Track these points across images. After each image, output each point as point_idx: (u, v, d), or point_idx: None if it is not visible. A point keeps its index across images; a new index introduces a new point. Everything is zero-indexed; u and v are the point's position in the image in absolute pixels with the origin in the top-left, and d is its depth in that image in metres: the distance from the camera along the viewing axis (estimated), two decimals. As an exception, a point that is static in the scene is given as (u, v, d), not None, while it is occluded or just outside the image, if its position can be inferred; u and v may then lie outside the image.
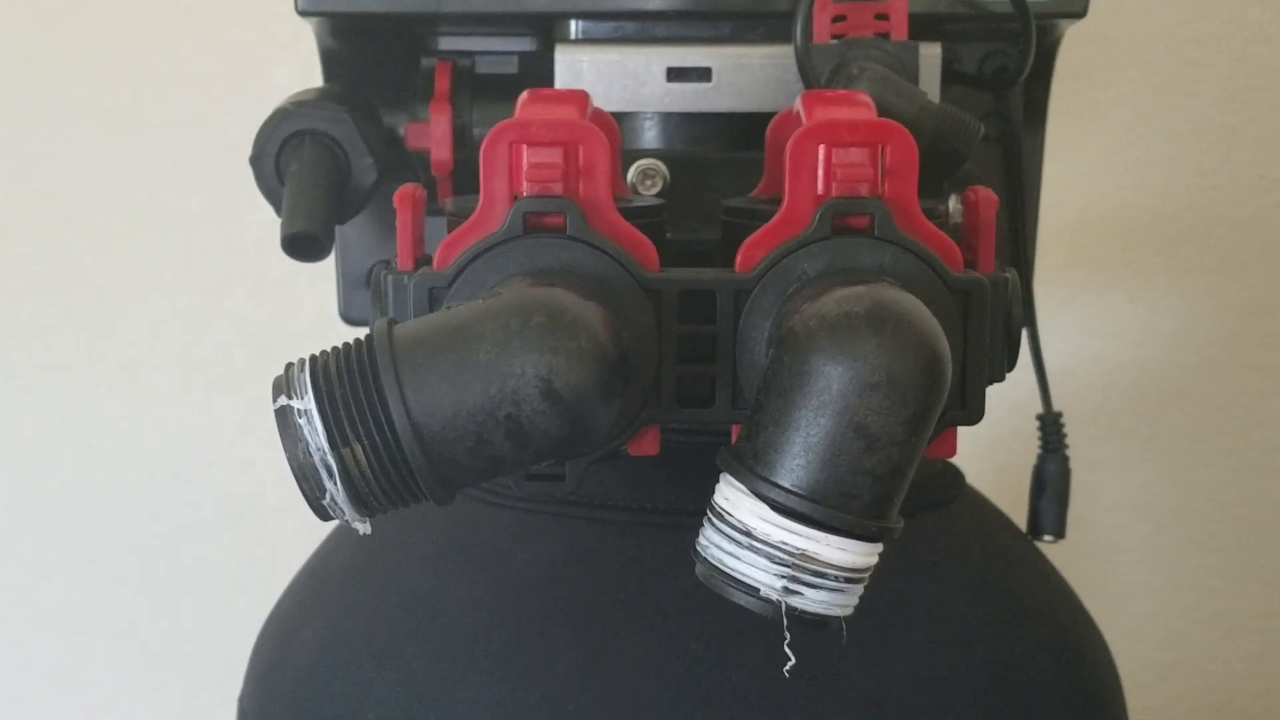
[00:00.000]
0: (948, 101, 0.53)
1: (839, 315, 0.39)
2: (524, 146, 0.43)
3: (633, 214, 0.45)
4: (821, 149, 0.43)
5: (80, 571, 1.03)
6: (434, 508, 0.56)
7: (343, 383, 0.39)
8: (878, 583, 0.43)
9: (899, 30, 0.53)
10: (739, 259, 0.44)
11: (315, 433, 0.39)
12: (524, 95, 0.46)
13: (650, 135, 0.56)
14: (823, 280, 0.42)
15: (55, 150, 0.98)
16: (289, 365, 0.40)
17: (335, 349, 0.40)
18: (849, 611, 0.41)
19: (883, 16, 0.53)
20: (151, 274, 0.99)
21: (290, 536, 0.65)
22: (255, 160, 0.55)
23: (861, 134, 0.43)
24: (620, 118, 0.55)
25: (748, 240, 0.44)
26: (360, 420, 0.39)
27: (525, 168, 0.43)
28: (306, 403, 0.39)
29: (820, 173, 0.43)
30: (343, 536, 0.61)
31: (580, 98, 0.46)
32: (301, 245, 0.52)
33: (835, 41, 0.53)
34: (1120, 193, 0.97)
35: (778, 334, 0.41)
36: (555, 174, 0.43)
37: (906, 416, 0.39)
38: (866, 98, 0.47)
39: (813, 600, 0.40)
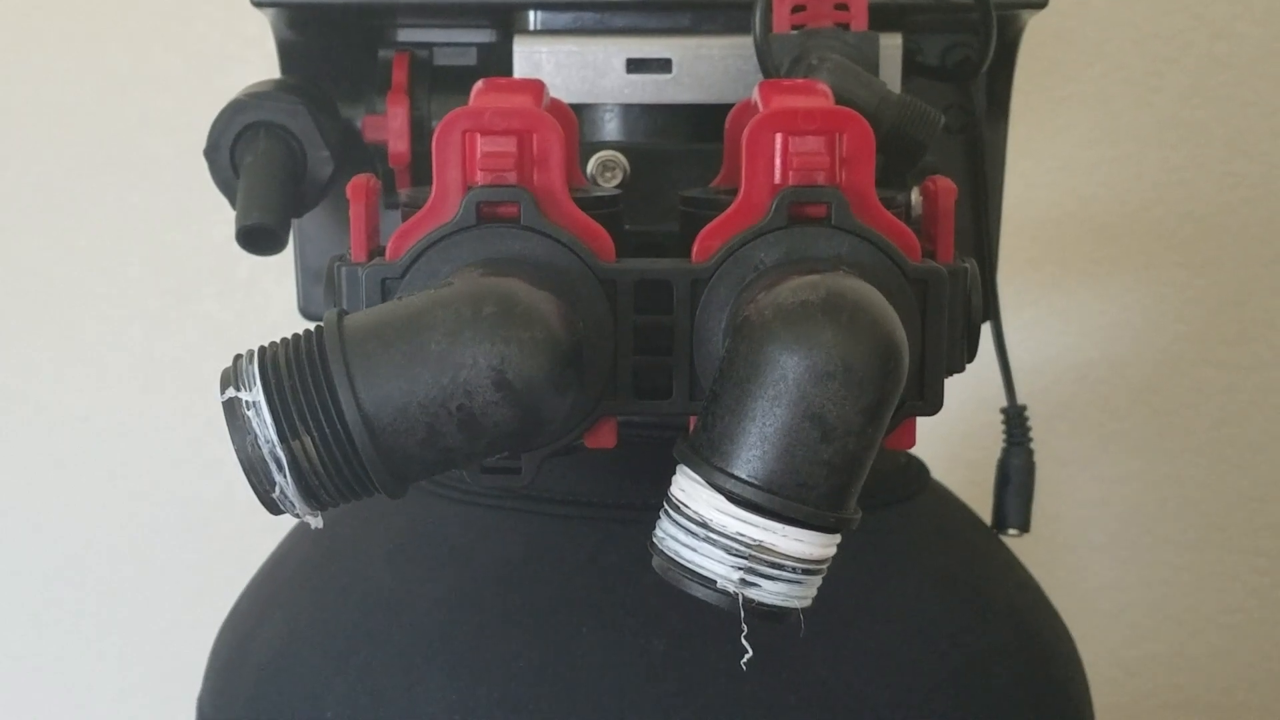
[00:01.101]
0: (909, 93, 0.53)
1: (795, 304, 0.39)
2: (477, 135, 0.43)
3: (589, 204, 0.45)
4: (778, 137, 0.43)
5: (46, 572, 1.02)
6: (393, 504, 0.56)
7: (292, 374, 0.38)
8: (841, 577, 0.42)
9: (859, 21, 0.53)
10: (695, 249, 0.44)
11: (264, 425, 0.38)
12: (479, 84, 0.45)
13: (610, 127, 0.56)
14: (779, 269, 0.42)
15: (19, 151, 0.97)
16: (237, 357, 0.39)
17: (284, 340, 0.40)
18: (807, 603, 0.40)
19: (843, 7, 0.53)
20: (118, 274, 0.98)
21: (258, 537, 0.65)
22: (210, 152, 0.54)
23: (818, 122, 0.43)
24: (580, 109, 0.54)
25: (704, 230, 0.43)
26: (310, 412, 0.38)
27: (478, 156, 0.43)
28: (255, 394, 0.38)
29: (777, 161, 0.43)
30: (302, 534, 0.60)
31: (536, 87, 0.46)
32: (256, 238, 0.51)
33: (795, 32, 0.53)
34: (1087, 189, 0.97)
35: (734, 324, 0.41)
36: (509, 163, 0.42)
37: (863, 406, 0.39)
38: (824, 86, 0.46)
39: (770, 592, 0.39)
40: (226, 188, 0.54)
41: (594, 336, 0.43)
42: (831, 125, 0.43)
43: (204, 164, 0.54)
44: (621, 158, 0.54)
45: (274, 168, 0.53)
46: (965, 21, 0.57)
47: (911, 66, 0.57)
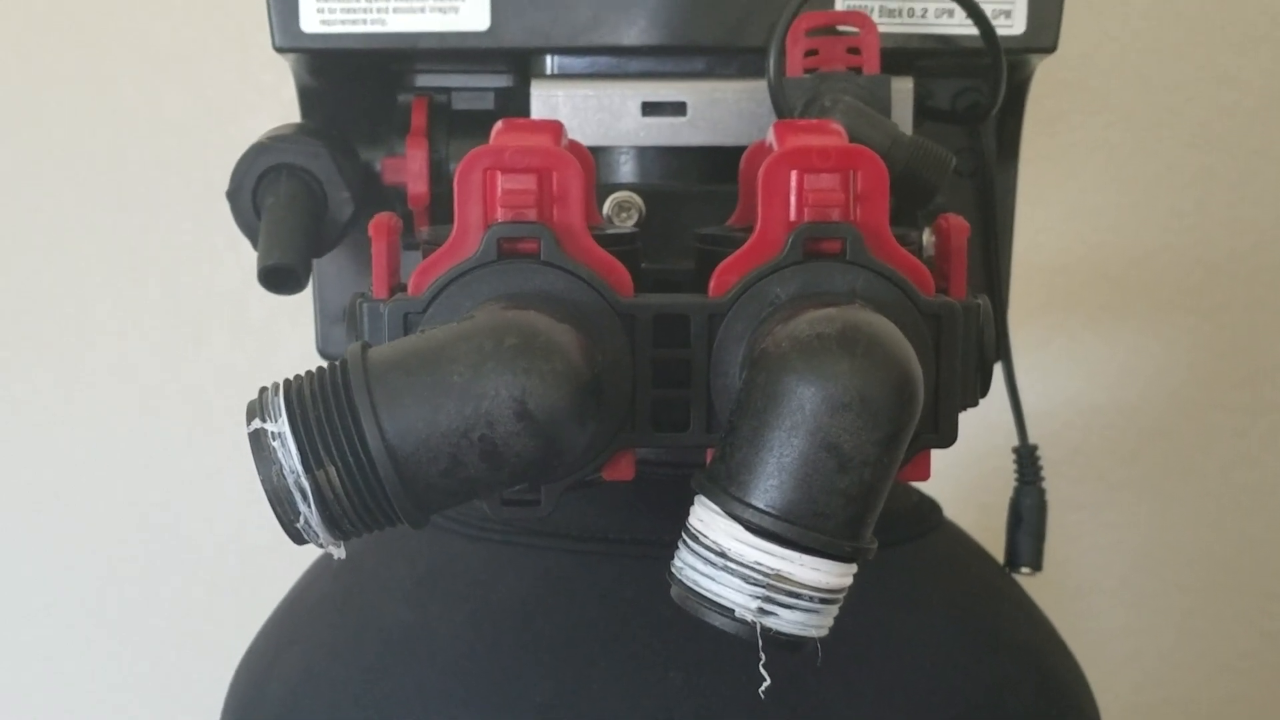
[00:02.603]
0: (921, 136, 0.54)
1: (811, 336, 0.39)
2: (498, 173, 0.43)
3: (607, 241, 0.45)
4: (793, 174, 0.43)
5: (56, 610, 1.02)
6: (411, 540, 0.56)
7: (316, 405, 0.39)
8: (855, 612, 0.43)
9: (871, 65, 0.54)
10: (712, 284, 0.44)
11: (289, 455, 0.39)
12: (499, 124, 0.46)
13: (626, 169, 0.57)
14: (795, 303, 0.43)
15: (34, 192, 0.98)
16: (263, 389, 0.40)
17: (309, 372, 0.40)
18: (824, 633, 0.41)
19: (855, 51, 0.54)
20: (132, 316, 0.99)
21: (268, 576, 0.65)
22: (232, 194, 0.55)
23: (833, 160, 0.43)
24: (596, 152, 0.55)
25: (721, 265, 0.44)
26: (334, 442, 0.39)
27: (499, 193, 0.43)
28: (280, 425, 0.39)
29: (792, 198, 0.44)
30: (320, 570, 0.61)
31: (555, 127, 0.46)
32: (278, 278, 0.52)
33: (808, 75, 0.53)
34: (1095, 235, 0.98)
35: (751, 356, 0.41)
36: (529, 200, 0.43)
37: (879, 436, 0.39)
38: (838, 126, 0.47)
39: (788, 621, 0.40)
40: (249, 229, 0.55)
41: (613, 369, 0.43)
42: (846, 163, 0.43)
43: (218, 208, 0.55)
44: (637, 199, 0.54)
45: (295, 209, 0.54)
46: (975, 66, 0.58)
47: (923, 110, 0.58)
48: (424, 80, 0.59)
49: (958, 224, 0.48)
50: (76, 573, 1.02)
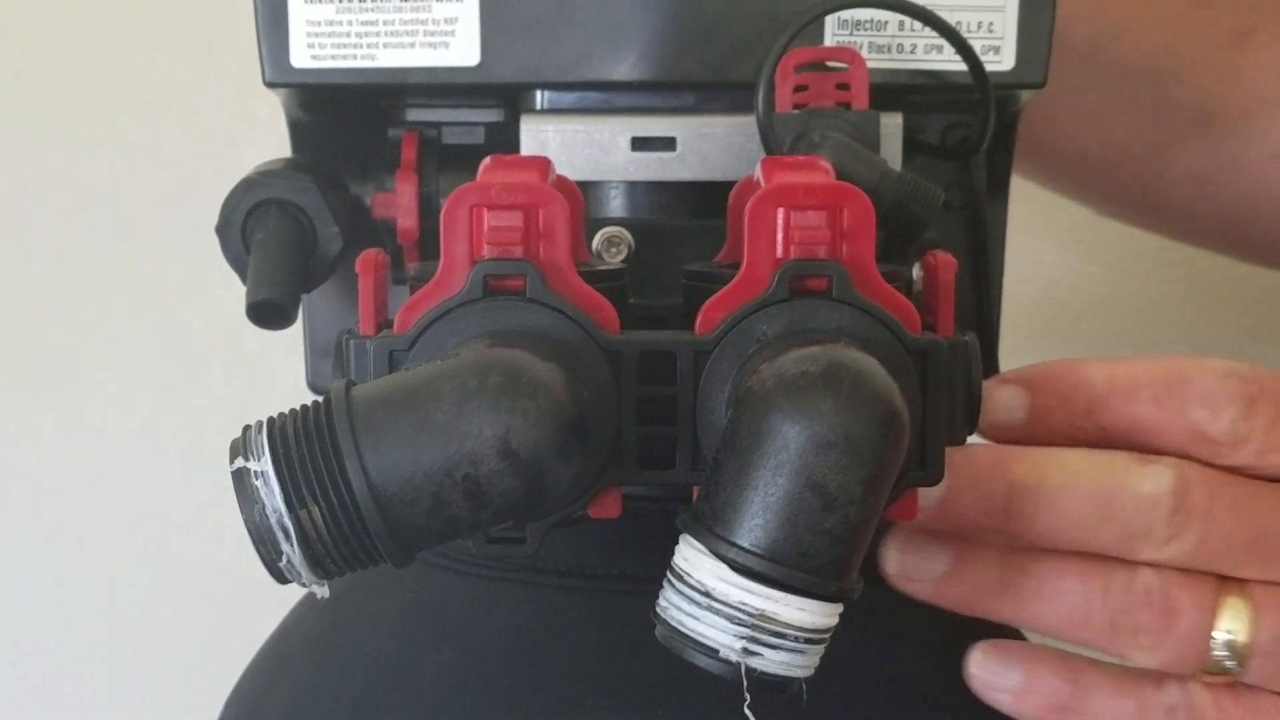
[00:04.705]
0: (910, 171, 0.54)
1: (796, 375, 0.39)
2: (484, 210, 0.43)
3: (594, 278, 0.45)
4: (780, 212, 0.43)
5: (50, 641, 1.02)
6: (399, 577, 0.56)
7: (300, 444, 0.39)
8: (844, 649, 0.42)
9: (860, 100, 0.54)
10: (699, 321, 0.44)
11: (272, 494, 0.39)
12: (486, 161, 0.46)
13: (615, 204, 0.57)
14: (781, 341, 0.42)
15: (31, 226, 0.98)
16: (246, 427, 0.40)
17: (293, 410, 0.40)
18: (809, 673, 0.40)
19: (844, 86, 0.54)
20: (127, 349, 0.99)
21: (265, 607, 0.65)
22: (221, 229, 0.55)
23: (819, 197, 0.43)
24: (585, 186, 0.55)
25: (707, 302, 0.44)
26: (317, 481, 0.39)
27: (485, 230, 0.43)
28: (263, 464, 0.39)
29: (779, 235, 0.44)
30: (308, 607, 0.61)
31: (542, 163, 0.46)
32: (266, 312, 0.52)
33: (797, 110, 0.54)
34: (1088, 267, 0.98)
35: (736, 394, 0.41)
36: (515, 237, 0.43)
37: (864, 475, 0.39)
38: (825, 163, 0.47)
39: (773, 661, 0.40)
40: (238, 264, 0.55)
41: (598, 406, 0.43)
42: (832, 200, 0.43)
43: (213, 241, 0.55)
44: (626, 233, 0.54)
45: (284, 244, 0.54)
46: (965, 102, 0.58)
47: (912, 145, 0.58)
48: (414, 115, 0.59)
49: (944, 260, 0.48)
50: (71, 604, 1.01)
